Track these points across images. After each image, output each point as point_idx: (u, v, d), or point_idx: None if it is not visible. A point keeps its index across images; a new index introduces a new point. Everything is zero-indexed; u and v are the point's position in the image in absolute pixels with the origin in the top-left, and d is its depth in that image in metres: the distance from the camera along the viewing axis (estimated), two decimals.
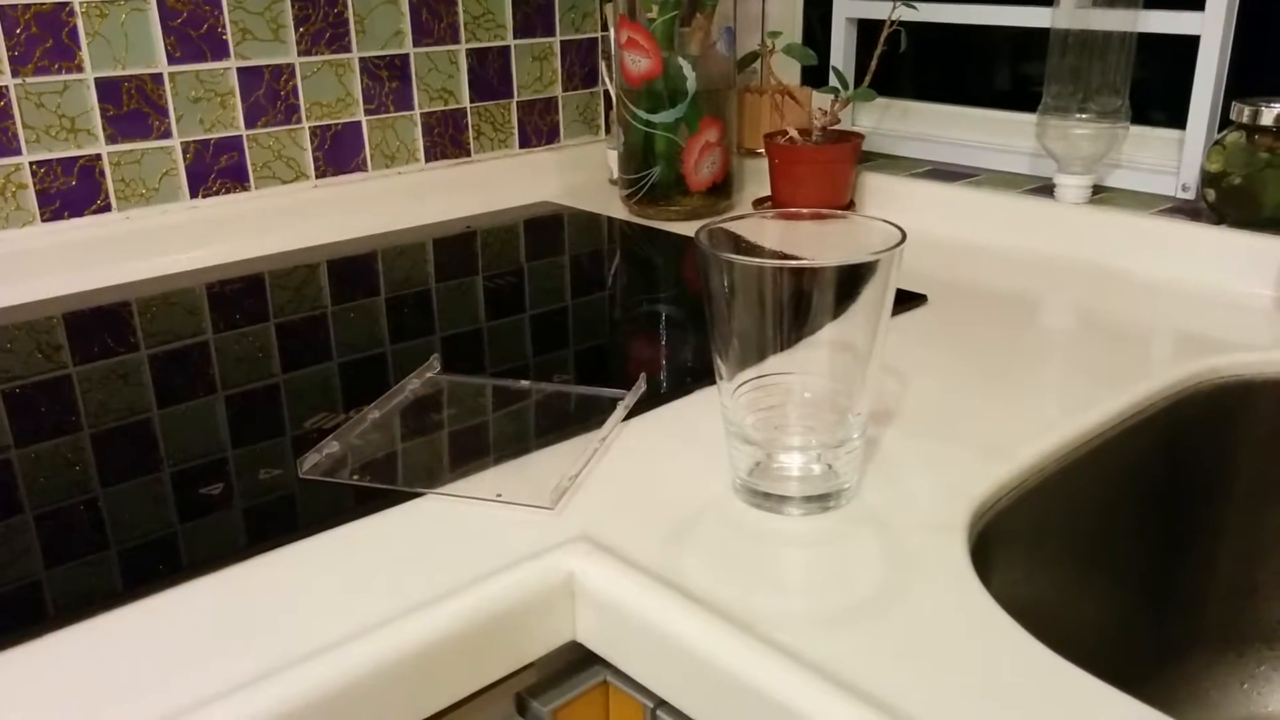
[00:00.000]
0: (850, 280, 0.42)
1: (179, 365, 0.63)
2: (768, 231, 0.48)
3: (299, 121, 0.91)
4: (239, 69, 0.87)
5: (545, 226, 0.93)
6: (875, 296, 0.43)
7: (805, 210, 0.48)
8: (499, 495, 0.47)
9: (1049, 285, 0.75)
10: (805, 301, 0.42)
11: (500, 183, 1.04)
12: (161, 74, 0.83)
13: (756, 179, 1.01)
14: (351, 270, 0.81)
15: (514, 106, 1.05)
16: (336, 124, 0.93)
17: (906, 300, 0.70)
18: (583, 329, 0.68)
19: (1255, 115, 0.73)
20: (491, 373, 0.61)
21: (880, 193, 0.93)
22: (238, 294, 0.76)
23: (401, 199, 0.97)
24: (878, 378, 0.58)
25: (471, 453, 0.51)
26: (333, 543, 0.44)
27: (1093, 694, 0.35)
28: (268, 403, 0.57)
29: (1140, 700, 0.34)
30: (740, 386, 0.45)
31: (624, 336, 0.67)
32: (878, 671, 0.36)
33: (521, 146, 1.07)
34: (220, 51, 0.85)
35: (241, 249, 0.86)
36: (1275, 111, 0.73)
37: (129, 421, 0.55)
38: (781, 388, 0.45)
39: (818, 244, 0.48)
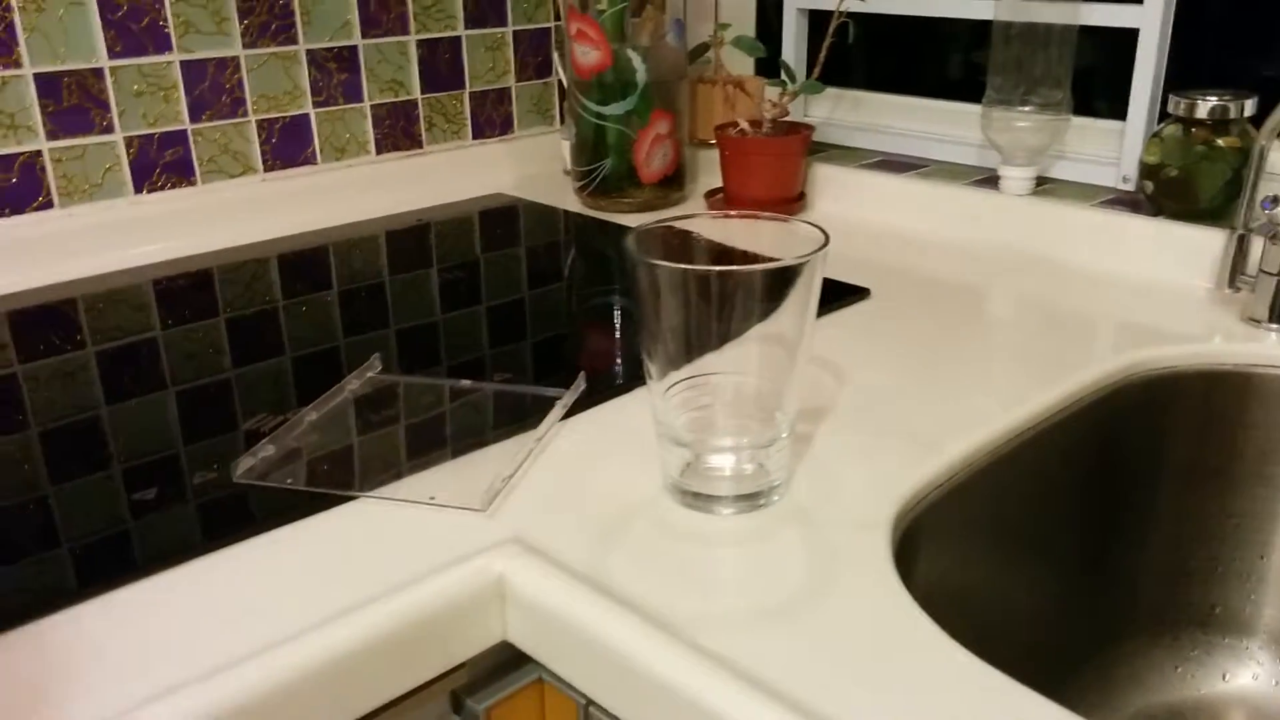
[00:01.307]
0: (776, 282, 0.42)
1: (124, 364, 0.63)
2: (704, 230, 0.49)
3: (245, 115, 0.90)
4: (182, 62, 0.86)
5: (498, 219, 0.93)
6: (801, 297, 0.43)
7: (734, 212, 0.49)
8: (432, 498, 0.47)
9: (991, 277, 0.76)
10: (731, 303, 0.42)
11: (453, 175, 1.03)
12: (102, 68, 0.82)
13: (709, 170, 1.01)
14: (301, 265, 0.81)
15: (466, 97, 1.05)
16: (284, 117, 0.92)
17: (849, 294, 0.71)
18: (533, 323, 0.68)
19: (1191, 108, 0.74)
20: (435, 371, 0.61)
21: (831, 184, 0.93)
22: (185, 291, 0.75)
23: (352, 192, 0.97)
24: (805, 375, 0.59)
25: (408, 454, 0.51)
26: (266, 547, 0.44)
27: (1006, 693, 0.36)
28: (212, 401, 0.57)
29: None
30: (671, 387, 0.45)
31: (571, 331, 0.67)
32: (796, 672, 0.36)
33: (474, 138, 1.06)
34: (163, 45, 0.84)
35: (188, 245, 0.86)
36: (1211, 104, 0.74)
37: (70, 422, 0.55)
38: (711, 388, 0.45)
39: (753, 240, 0.49)
